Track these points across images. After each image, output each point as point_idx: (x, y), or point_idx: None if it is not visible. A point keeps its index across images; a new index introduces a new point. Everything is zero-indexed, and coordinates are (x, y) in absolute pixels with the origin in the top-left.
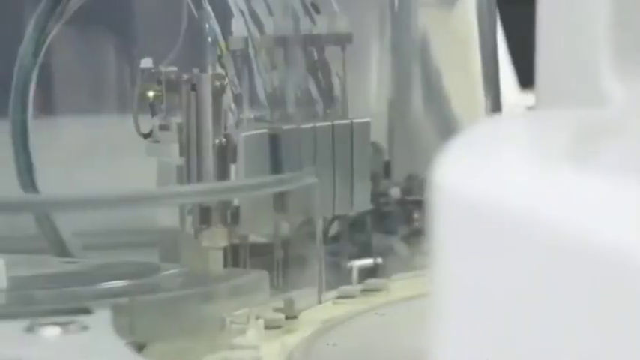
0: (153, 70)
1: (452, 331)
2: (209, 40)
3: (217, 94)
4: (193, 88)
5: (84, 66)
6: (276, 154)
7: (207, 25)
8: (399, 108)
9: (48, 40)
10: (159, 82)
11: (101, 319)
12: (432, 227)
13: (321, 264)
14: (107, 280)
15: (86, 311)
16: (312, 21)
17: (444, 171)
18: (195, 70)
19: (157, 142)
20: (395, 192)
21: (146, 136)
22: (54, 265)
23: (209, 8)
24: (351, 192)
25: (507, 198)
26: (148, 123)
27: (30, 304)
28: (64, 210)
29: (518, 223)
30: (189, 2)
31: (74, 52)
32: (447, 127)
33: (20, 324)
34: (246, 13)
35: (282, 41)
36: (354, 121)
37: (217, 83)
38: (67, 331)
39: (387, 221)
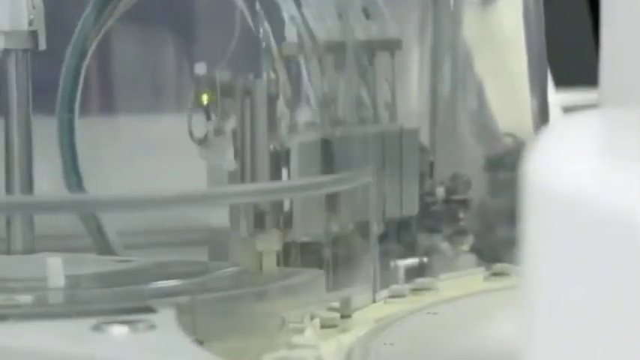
0: (207, 75)
1: (544, 323)
2: (263, 45)
3: (272, 99)
4: (248, 93)
5: (137, 65)
6: (328, 160)
7: (261, 31)
8: (442, 108)
9: (95, 42)
10: (213, 87)
11: (166, 317)
12: (524, 224)
13: (375, 263)
14: (164, 279)
15: (148, 310)
16: (363, 26)
17: (536, 168)
18: (250, 76)
19: (211, 146)
20: (440, 191)
21: (200, 140)
22: (107, 263)
23: (263, 14)
24: (400, 197)
25: (599, 194)
26: (201, 127)
27: (90, 302)
28: (109, 210)
29: (611, 219)
30: (244, 9)
31: (129, 52)
32: (486, 127)
33: (87, 323)
34: (298, 19)
35: (333, 47)
36: (404, 127)
37: (272, 89)
38: (135, 330)
39: (432, 220)
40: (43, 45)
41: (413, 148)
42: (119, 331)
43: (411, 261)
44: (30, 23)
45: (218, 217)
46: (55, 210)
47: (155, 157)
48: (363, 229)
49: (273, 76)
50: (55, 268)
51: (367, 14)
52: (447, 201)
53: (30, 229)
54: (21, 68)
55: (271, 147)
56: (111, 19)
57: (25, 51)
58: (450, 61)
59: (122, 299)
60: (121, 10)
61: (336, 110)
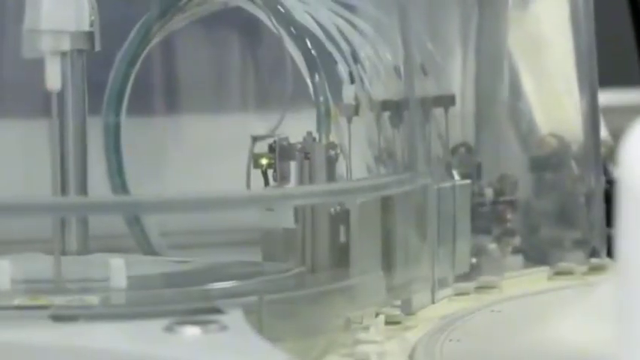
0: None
1: None
2: (322, 108)
3: (331, 162)
4: (307, 156)
5: (192, 66)
6: (386, 216)
7: (320, 94)
8: (488, 109)
9: (146, 51)
10: (272, 150)
11: (236, 318)
12: (620, 223)
13: (434, 264)
14: (226, 280)
15: (215, 311)
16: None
17: (632, 167)
18: (308, 138)
19: (271, 209)
20: (488, 192)
21: None
22: (164, 264)
23: (323, 76)
24: (454, 252)
25: None
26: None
27: (156, 303)
28: (162, 212)
29: None
30: (304, 71)
31: (187, 53)
32: (531, 128)
33: (158, 323)
34: (356, 78)
35: (390, 105)
36: (457, 182)
37: (331, 152)
38: (206, 330)
39: (480, 222)
40: (98, 46)
41: (465, 202)
42: (191, 331)
43: None
44: (91, 24)
45: (270, 218)
46: (110, 211)
47: (214, 159)
48: (421, 230)
49: (332, 137)
50: (118, 269)
51: (424, 70)
52: (494, 202)
53: (84, 230)
54: (76, 69)
55: (332, 210)
56: (159, 35)
57: (80, 52)
58: (496, 63)
59: (189, 300)
60: (167, 30)
61: (394, 166)
